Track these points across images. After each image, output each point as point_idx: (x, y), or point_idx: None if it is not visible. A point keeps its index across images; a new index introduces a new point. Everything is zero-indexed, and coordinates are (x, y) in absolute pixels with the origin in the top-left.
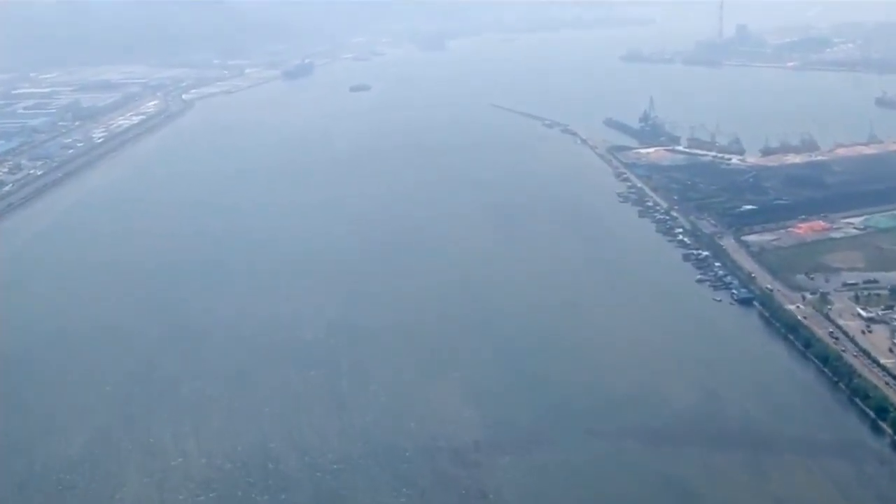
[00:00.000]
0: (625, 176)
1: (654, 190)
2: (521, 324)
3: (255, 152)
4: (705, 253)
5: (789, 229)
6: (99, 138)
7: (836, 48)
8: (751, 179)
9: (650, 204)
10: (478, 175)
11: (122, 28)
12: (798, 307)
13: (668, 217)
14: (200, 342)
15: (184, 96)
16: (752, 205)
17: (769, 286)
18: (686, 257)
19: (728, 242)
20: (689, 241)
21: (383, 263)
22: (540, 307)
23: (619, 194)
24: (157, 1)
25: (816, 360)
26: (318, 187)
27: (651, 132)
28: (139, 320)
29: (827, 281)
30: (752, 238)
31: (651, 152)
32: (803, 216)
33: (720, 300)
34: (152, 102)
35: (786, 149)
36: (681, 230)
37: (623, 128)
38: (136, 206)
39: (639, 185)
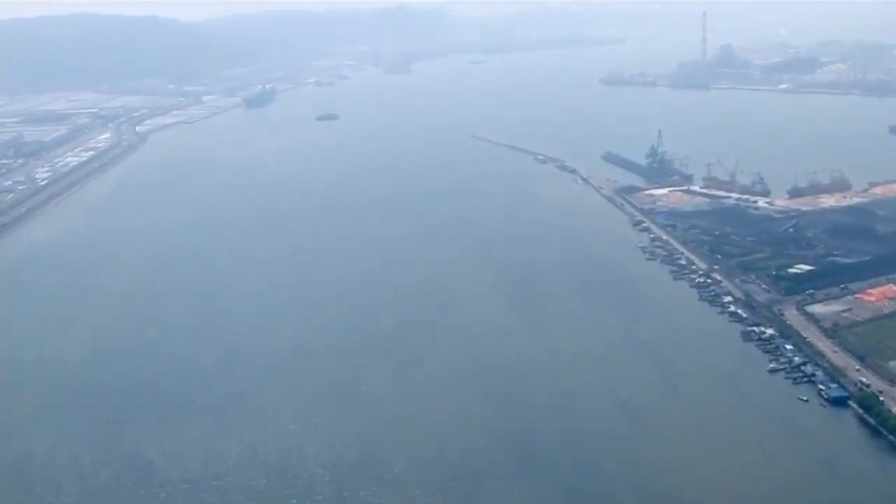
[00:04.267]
0: (644, 225)
1: (683, 243)
2: (570, 444)
3: (216, 198)
4: (769, 331)
5: (857, 296)
6: (43, 179)
7: (826, 69)
8: (791, 230)
9: (683, 262)
10: (476, 227)
11: (71, 51)
12: None
13: (709, 280)
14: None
15: (137, 128)
16: (802, 261)
17: (862, 378)
18: (746, 336)
19: (791, 315)
20: (744, 314)
21: (383, 358)
22: (589, 417)
23: (642, 249)
24: (106, 22)
25: None
26: (293, 246)
27: (659, 170)
28: (79, 464)
29: None
30: (817, 309)
31: (665, 194)
32: (867, 278)
33: (806, 400)
34: (103, 136)
35: (816, 189)
36: (730, 298)
37: (626, 164)
38: (80, 273)
39: (663, 236)
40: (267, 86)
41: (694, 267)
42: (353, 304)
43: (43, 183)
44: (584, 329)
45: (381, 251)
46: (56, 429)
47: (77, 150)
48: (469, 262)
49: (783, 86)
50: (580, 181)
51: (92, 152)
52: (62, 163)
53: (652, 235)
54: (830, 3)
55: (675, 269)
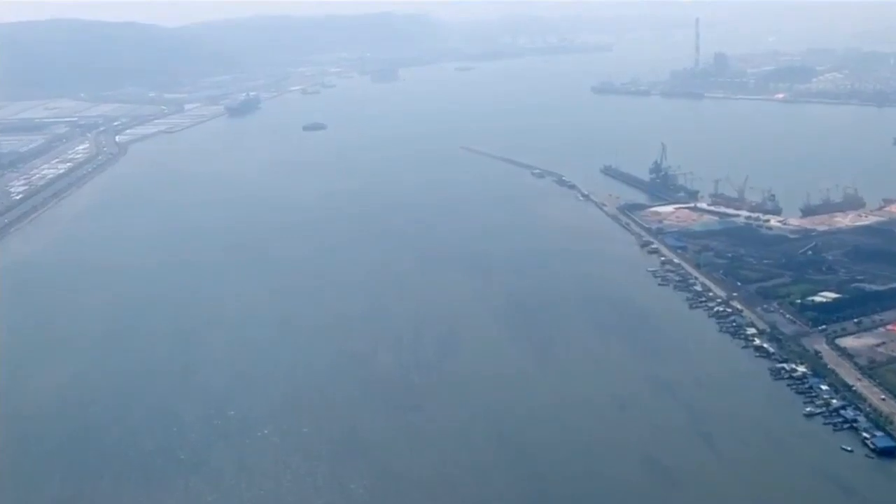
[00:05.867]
0: (653, 246)
1: (696, 267)
2: None
3: (199, 216)
4: (801, 369)
5: (889, 327)
6: (18, 193)
7: (821, 78)
8: (810, 252)
9: (698, 288)
10: (474, 250)
11: (48, 58)
12: None
13: (728, 309)
14: None
15: (117, 138)
16: (826, 288)
17: None
18: (776, 374)
19: (822, 349)
20: (771, 349)
21: (382, 406)
22: (615, 474)
23: (653, 273)
24: (86, 28)
25: None
26: (279, 272)
27: (662, 185)
28: None
29: None
30: (849, 343)
31: (672, 212)
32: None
33: (851, 450)
34: (82, 146)
35: (830, 207)
36: (753, 330)
37: (627, 178)
38: (54, 301)
39: (675, 259)
40: (251, 93)
41: (711, 294)
42: (347, 342)
43: (18, 197)
44: (600, 368)
45: (372, 278)
46: (23, 490)
47: (54, 161)
48: (468, 291)
49: (780, 95)
50: (581, 197)
51: (70, 164)
52: (39, 175)
53: (662, 258)
54: (816, 8)
55: (690, 296)
